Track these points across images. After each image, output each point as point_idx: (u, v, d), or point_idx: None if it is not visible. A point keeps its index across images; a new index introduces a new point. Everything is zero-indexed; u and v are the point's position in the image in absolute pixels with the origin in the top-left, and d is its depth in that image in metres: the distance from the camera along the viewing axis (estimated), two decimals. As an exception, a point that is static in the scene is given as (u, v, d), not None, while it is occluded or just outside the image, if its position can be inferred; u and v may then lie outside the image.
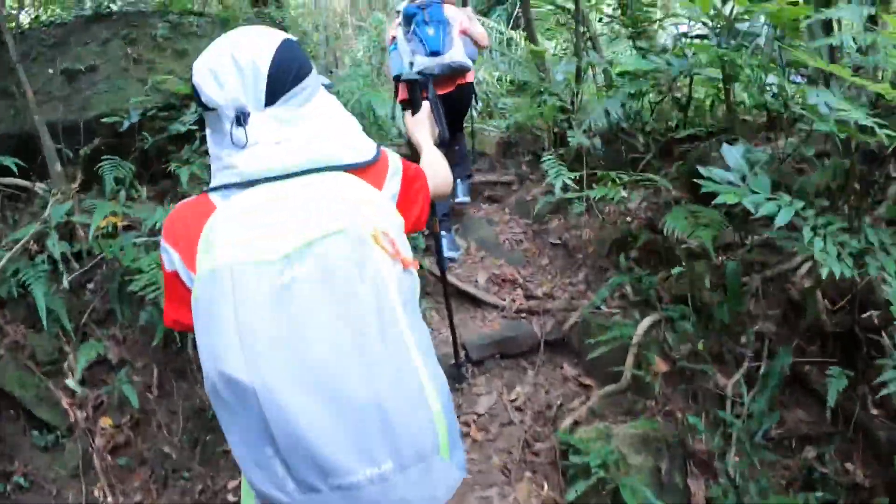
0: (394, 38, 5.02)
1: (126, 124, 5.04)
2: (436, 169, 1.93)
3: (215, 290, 1.22)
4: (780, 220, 2.74)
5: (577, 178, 4.71)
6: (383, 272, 1.25)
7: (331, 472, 1.16)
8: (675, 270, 4.02)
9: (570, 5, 6.57)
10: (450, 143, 5.15)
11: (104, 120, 5.17)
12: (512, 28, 12.48)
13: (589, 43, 7.50)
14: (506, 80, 10.73)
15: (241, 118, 1.41)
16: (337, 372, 1.18)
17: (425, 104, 2.29)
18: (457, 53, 4.74)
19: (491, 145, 7.10)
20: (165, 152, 5.05)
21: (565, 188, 4.67)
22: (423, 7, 4.77)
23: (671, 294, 4.10)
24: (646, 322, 3.89)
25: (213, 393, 1.22)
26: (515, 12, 12.94)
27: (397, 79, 4.92)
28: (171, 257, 1.44)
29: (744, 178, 3.00)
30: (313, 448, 1.15)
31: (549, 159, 4.76)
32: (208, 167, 1.78)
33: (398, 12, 5.05)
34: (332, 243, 1.24)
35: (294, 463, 1.16)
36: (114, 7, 6.59)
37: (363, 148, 1.53)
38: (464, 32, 4.93)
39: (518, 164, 6.75)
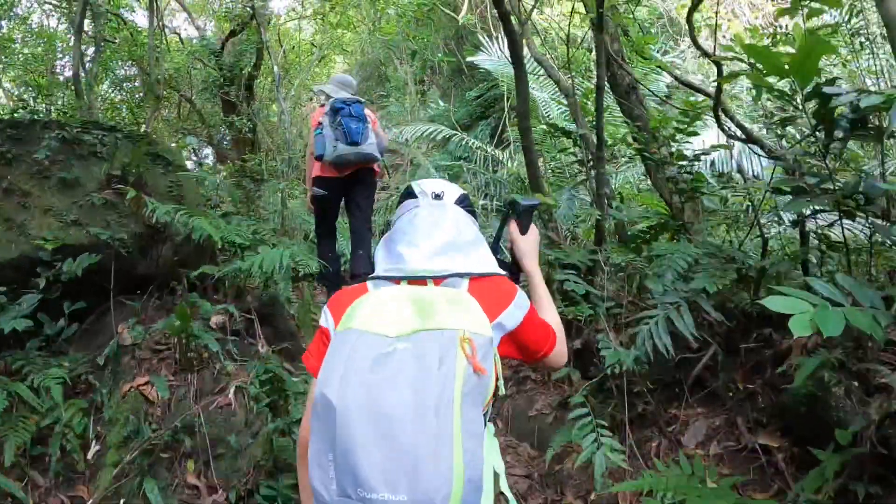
0: (319, 123, 5.57)
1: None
2: (559, 325, 2.03)
3: (344, 340, 1.61)
4: None
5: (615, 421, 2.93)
6: (456, 368, 1.51)
7: (361, 485, 1.42)
8: None
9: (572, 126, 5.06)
10: (355, 246, 5.74)
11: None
12: (497, 144, 11.07)
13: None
14: (492, 206, 9.06)
15: None
16: (395, 420, 1.44)
17: (533, 228, 2.20)
18: (371, 146, 5.47)
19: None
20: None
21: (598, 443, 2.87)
22: (349, 104, 5.47)
23: None
24: None
25: (314, 407, 1.54)
26: (500, 127, 11.65)
27: (319, 158, 5.51)
28: (326, 318, 1.83)
29: None
30: (356, 463, 1.42)
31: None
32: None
33: (323, 95, 5.79)
34: (430, 335, 1.56)
35: (341, 469, 1.45)
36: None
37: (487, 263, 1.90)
38: (375, 132, 5.62)
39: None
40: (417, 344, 1.54)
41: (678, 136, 4.62)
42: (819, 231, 3.64)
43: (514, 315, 1.78)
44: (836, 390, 2.81)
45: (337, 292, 1.88)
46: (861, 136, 3.02)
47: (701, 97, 5.60)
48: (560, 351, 1.96)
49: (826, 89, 2.90)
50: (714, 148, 4.36)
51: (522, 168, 9.48)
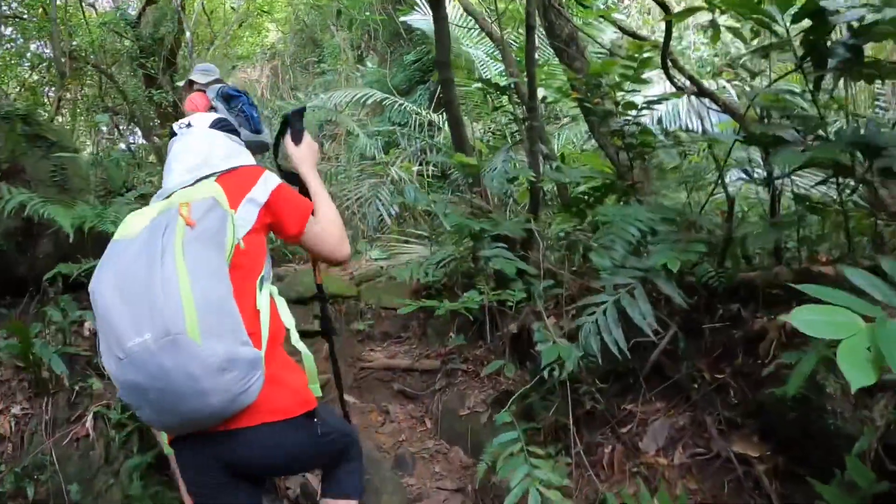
0: (211, 107, 4.63)
1: None
2: (330, 219, 2.20)
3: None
4: None
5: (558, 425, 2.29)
6: (176, 226, 1.74)
7: (119, 340, 1.60)
8: None
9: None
10: None
11: None
12: (436, 108, 10.34)
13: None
14: (427, 171, 8.32)
15: None
16: (130, 278, 1.66)
17: (307, 135, 2.34)
18: (267, 135, 4.76)
19: (401, 293, 4.52)
20: None
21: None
22: (239, 91, 4.79)
23: None
24: None
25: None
26: (438, 91, 10.89)
27: None
28: None
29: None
30: (112, 324, 1.62)
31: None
32: None
33: (202, 85, 5.25)
34: (160, 217, 1.79)
35: (108, 339, 1.64)
36: None
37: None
38: None
39: (444, 338, 4.21)
40: (151, 228, 1.76)
41: (625, 86, 3.93)
42: (793, 191, 2.99)
43: (261, 189, 2.00)
44: (832, 390, 2.17)
45: None
46: (864, 70, 2.33)
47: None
48: (321, 237, 2.13)
49: (823, 3, 2.20)
50: (670, 96, 3.67)
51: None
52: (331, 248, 2.14)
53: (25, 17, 11.42)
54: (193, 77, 5.48)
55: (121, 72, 12.87)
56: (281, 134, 2.41)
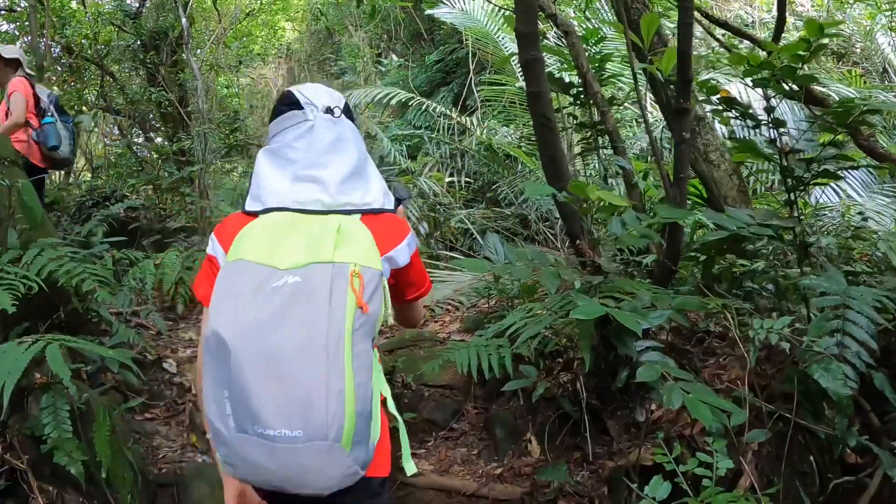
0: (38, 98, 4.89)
1: None
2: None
3: (234, 272, 1.49)
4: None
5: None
6: (347, 304, 1.42)
7: (258, 422, 1.35)
8: None
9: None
10: None
11: None
12: (461, 110, 9.09)
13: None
14: (460, 182, 7.03)
15: None
16: (287, 359, 1.38)
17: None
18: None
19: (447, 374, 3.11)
20: None
21: None
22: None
23: None
24: None
25: (206, 342, 1.45)
26: (464, 93, 9.64)
27: (54, 149, 4.81)
28: (213, 245, 1.68)
29: None
30: (252, 402, 1.36)
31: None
32: None
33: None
34: (320, 268, 1.45)
35: (236, 406, 1.38)
36: None
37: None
38: None
39: (518, 437, 2.81)
40: (307, 277, 1.45)
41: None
42: None
43: (404, 252, 1.70)
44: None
45: (225, 218, 1.77)
46: None
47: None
48: (419, 306, 1.93)
49: None
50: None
51: (493, 136, 7.45)
52: (420, 316, 1.99)
53: (20, 8, 10.29)
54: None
55: (121, 69, 11.60)
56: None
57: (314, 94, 1.76)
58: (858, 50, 10.36)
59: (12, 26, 10.60)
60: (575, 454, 2.62)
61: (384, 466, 1.64)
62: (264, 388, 1.37)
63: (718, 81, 5.30)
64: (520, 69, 7.93)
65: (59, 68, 10.72)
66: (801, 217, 2.63)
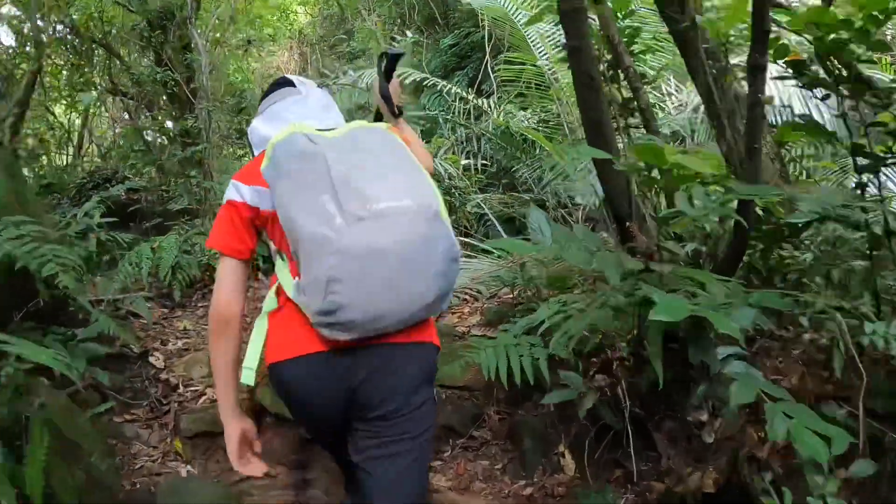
0: None
1: None
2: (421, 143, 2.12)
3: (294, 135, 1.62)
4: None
5: None
6: (395, 136, 1.68)
7: (369, 199, 1.44)
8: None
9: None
10: None
11: None
12: (477, 94, 8.72)
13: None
14: (476, 166, 6.68)
15: None
16: (366, 152, 1.55)
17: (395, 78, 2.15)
18: None
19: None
20: None
21: None
22: None
23: None
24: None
25: (278, 174, 1.55)
26: (479, 77, 9.27)
27: None
28: (238, 190, 1.69)
29: None
30: (356, 183, 1.46)
31: None
32: None
33: None
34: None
35: (344, 197, 1.45)
36: None
37: None
38: None
39: (549, 448, 2.45)
40: (357, 134, 1.67)
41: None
42: None
43: None
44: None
45: (243, 167, 1.80)
46: None
47: None
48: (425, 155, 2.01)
49: None
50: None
51: (511, 119, 7.06)
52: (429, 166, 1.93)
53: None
54: None
55: (129, 50, 11.25)
56: (386, 71, 2.05)
57: (306, 80, 1.94)
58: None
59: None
60: (616, 472, 2.27)
61: (437, 342, 1.71)
62: (366, 170, 1.49)
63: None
64: (539, 47, 7.55)
65: (66, 48, 10.42)
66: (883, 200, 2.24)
